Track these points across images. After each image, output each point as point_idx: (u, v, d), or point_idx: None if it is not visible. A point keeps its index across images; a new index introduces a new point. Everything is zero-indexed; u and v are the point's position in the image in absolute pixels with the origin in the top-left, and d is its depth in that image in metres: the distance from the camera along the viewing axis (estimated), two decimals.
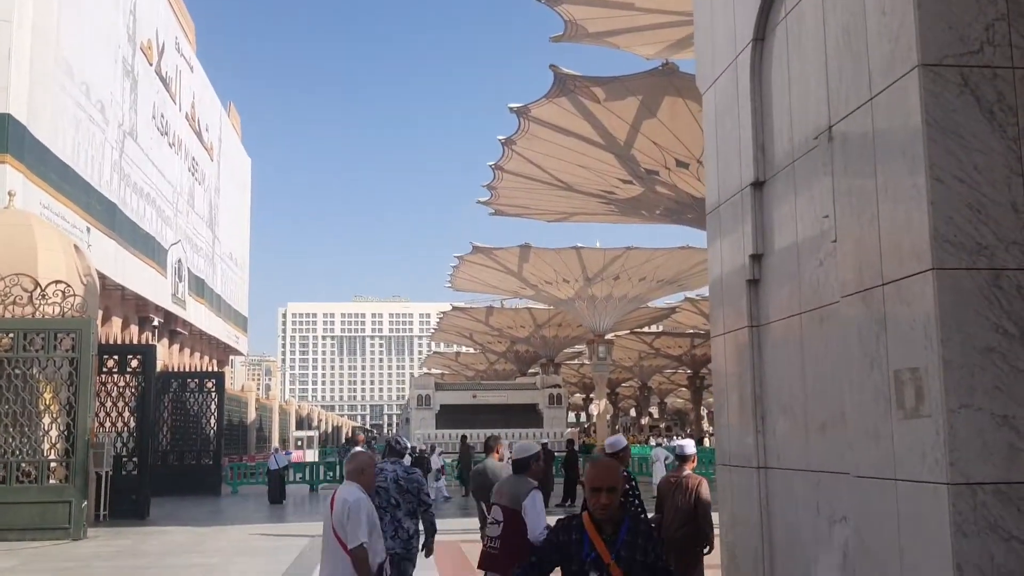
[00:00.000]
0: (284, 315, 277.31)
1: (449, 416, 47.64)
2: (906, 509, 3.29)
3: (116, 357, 23.49)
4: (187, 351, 52.51)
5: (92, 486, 19.48)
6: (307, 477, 33.77)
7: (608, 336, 50.42)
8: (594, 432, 50.85)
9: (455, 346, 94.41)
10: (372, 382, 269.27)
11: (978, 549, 3.01)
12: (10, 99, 27.27)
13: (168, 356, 44.68)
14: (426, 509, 8.16)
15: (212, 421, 31.07)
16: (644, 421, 77.60)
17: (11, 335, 18.11)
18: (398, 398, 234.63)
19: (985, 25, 3.31)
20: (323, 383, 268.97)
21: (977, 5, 3.32)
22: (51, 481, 18.04)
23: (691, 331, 65.91)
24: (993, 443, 3.08)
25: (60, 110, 30.74)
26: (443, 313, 70.11)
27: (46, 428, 18.38)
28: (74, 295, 18.89)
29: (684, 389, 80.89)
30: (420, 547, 8.21)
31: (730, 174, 5.18)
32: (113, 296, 37.49)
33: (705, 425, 71.39)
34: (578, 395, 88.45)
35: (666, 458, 25.83)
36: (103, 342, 22.56)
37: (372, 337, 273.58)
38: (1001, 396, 3.11)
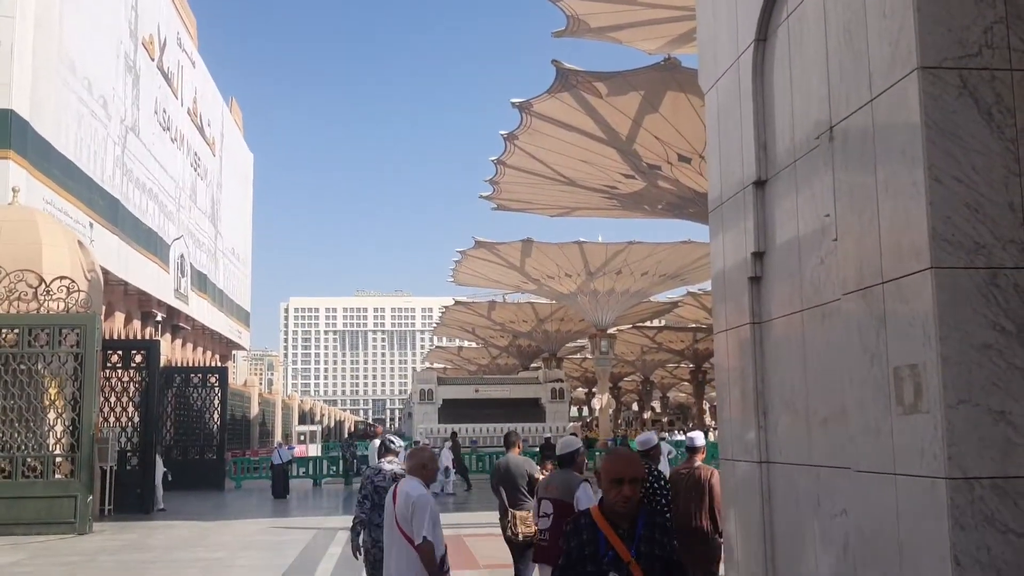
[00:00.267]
0: (286, 310, 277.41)
1: (452, 411, 47.65)
2: (905, 503, 3.36)
3: (120, 352, 23.59)
4: (190, 346, 52.62)
5: (97, 481, 19.58)
6: (310, 472, 33.88)
7: (610, 330, 50.46)
8: (596, 426, 50.91)
9: (457, 340, 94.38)
10: (374, 377, 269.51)
11: (975, 542, 3.07)
12: (13, 95, 27.32)
13: (171, 351, 44.77)
14: None
15: (215, 416, 31.19)
16: (646, 415, 77.66)
17: (16, 331, 18.21)
18: (400, 393, 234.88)
19: (984, 28, 3.36)
20: (325, 378, 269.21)
21: (976, 8, 3.37)
22: (56, 476, 18.15)
23: (693, 325, 65.95)
24: (990, 438, 3.14)
25: (63, 106, 30.79)
26: (445, 308, 70.14)
27: (51, 423, 18.48)
28: (78, 291, 18.98)
29: (686, 383, 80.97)
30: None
31: (732, 172, 5.24)
32: (116, 291, 37.57)
33: (707, 419, 71.44)
34: (580, 389, 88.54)
35: (669, 452, 25.91)
36: (106, 337, 22.63)
37: (374, 332, 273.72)
38: (998, 392, 3.17)
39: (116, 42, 36.78)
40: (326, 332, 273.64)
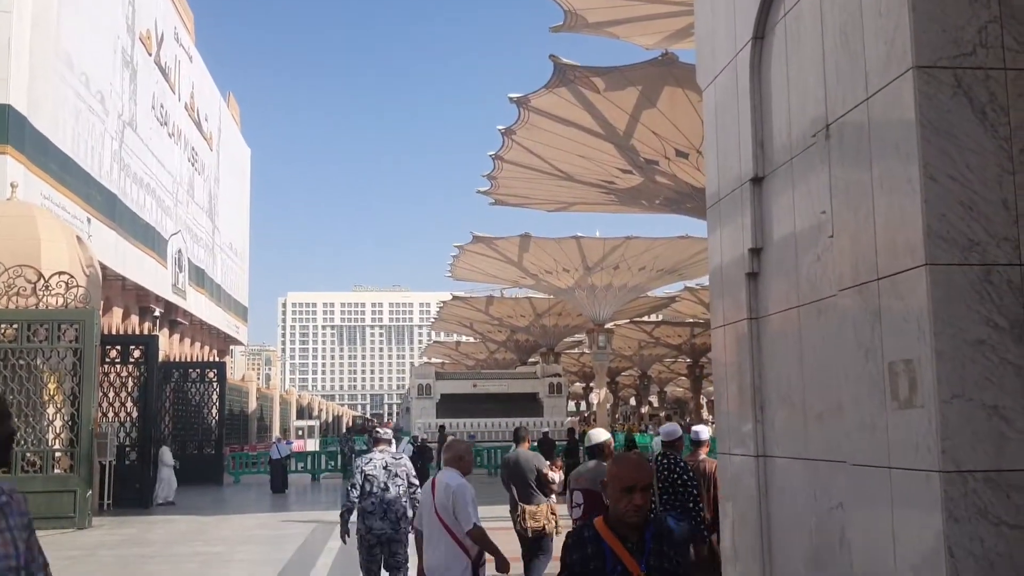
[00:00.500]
0: (284, 305, 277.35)
1: (450, 405, 47.74)
2: (900, 496, 3.41)
3: (119, 347, 23.63)
4: (187, 341, 52.61)
5: (96, 475, 19.63)
6: (309, 466, 33.93)
7: (608, 325, 50.51)
8: (594, 421, 50.95)
9: (455, 335, 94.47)
10: (372, 372, 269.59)
11: (969, 534, 3.12)
12: (10, 90, 27.30)
13: (169, 346, 44.78)
14: (415, 490, 8.66)
15: (214, 411, 31.24)
16: (644, 410, 77.75)
17: (15, 326, 18.24)
18: (398, 388, 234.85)
19: (978, 28, 3.41)
20: (323, 373, 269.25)
21: (970, 8, 3.41)
22: (56, 471, 18.20)
23: (691, 320, 66.00)
24: (983, 432, 3.19)
25: (60, 101, 30.76)
26: (443, 302, 70.14)
27: (50, 418, 18.53)
28: (77, 286, 19.01)
29: (684, 378, 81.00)
30: (409, 529, 8.63)
31: (730, 169, 5.28)
32: (114, 286, 37.57)
33: (704, 414, 71.53)
34: (578, 384, 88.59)
35: None
36: (105, 332, 22.66)
37: (372, 327, 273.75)
38: (991, 387, 3.21)
39: (113, 37, 36.75)
40: (324, 327, 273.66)
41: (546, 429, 32.03)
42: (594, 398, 59.24)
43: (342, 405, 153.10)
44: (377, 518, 8.47)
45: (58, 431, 18.40)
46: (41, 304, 18.63)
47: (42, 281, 18.64)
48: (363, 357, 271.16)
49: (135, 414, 23.41)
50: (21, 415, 18.07)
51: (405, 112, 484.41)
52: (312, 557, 14.37)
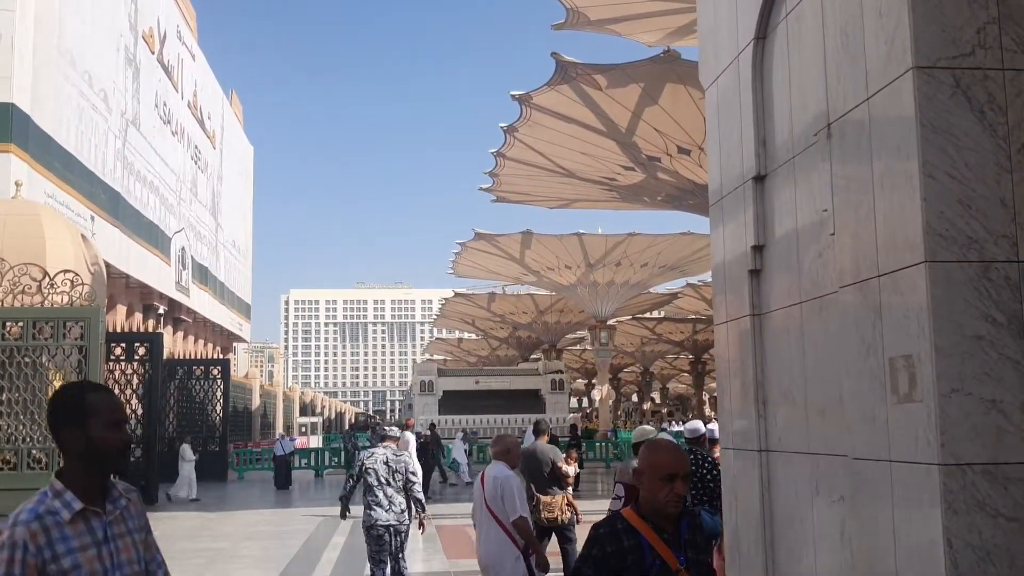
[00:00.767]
0: (286, 302, 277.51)
1: (452, 402, 47.79)
2: (900, 488, 3.47)
3: (124, 345, 23.72)
4: (191, 338, 52.72)
5: None
6: (312, 463, 34.03)
7: (610, 322, 50.58)
8: (596, 417, 51.01)
9: (457, 332, 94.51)
10: (374, 368, 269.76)
11: (967, 526, 3.18)
12: (13, 88, 27.37)
13: (172, 343, 44.88)
14: (411, 486, 9.19)
15: (218, 408, 31.31)
16: (646, 406, 77.80)
17: (20, 324, 18.31)
18: (400, 384, 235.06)
19: (977, 28, 3.46)
20: (326, 370, 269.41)
21: (969, 9, 3.46)
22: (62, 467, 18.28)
23: (693, 317, 66.02)
24: (982, 426, 3.24)
25: (63, 99, 30.84)
26: (445, 299, 70.23)
27: None
28: (82, 284, 19.07)
29: (686, 374, 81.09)
30: (409, 520, 9.26)
31: (732, 168, 5.34)
32: (117, 284, 37.67)
33: (707, 410, 71.57)
34: (580, 381, 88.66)
35: None
36: (109, 330, 22.74)
37: (374, 324, 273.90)
38: (990, 382, 3.27)
39: (116, 35, 36.82)
40: (326, 324, 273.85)
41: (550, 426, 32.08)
42: (596, 395, 59.31)
43: (344, 402, 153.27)
44: (383, 509, 8.93)
45: None
46: (46, 302, 18.70)
47: (47, 279, 18.71)
48: (365, 354, 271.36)
49: (140, 411, 23.49)
50: (27, 413, 18.15)
51: (407, 109, 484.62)
52: (317, 552, 14.46)
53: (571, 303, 54.22)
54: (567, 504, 9.86)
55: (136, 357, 23.50)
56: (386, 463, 9.14)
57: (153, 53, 42.22)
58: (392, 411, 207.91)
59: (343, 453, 34.28)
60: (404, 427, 21.60)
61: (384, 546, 8.97)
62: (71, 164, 31.36)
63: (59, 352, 18.54)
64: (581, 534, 10.27)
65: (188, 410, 31.36)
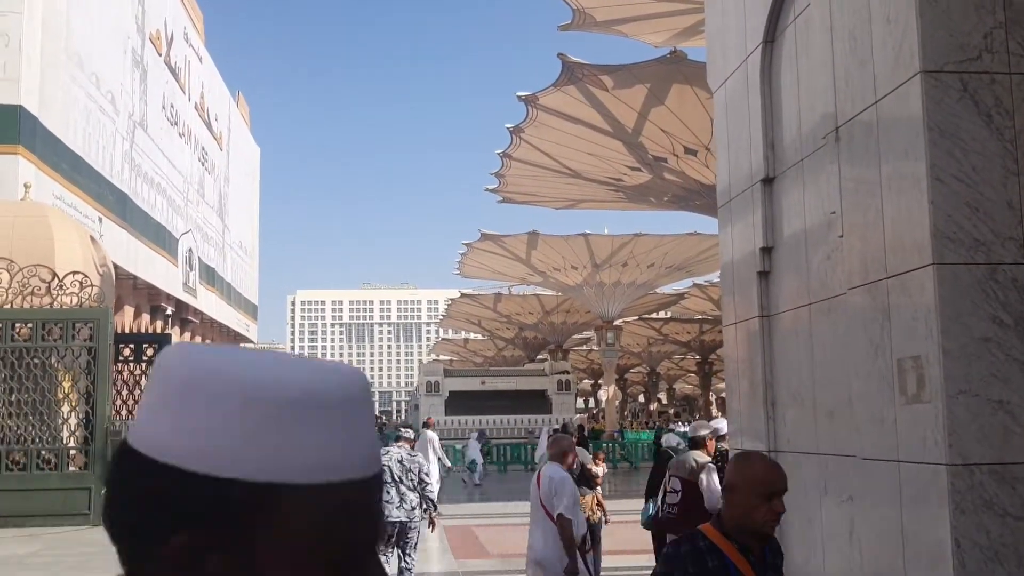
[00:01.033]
0: (293, 303, 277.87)
1: (458, 402, 47.86)
2: (908, 488, 3.50)
3: (132, 346, 23.74)
4: (198, 339, 52.83)
5: (108, 473, 19.78)
6: None
7: (616, 322, 50.55)
8: (602, 418, 51.05)
9: (463, 333, 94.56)
10: (381, 369, 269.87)
11: (975, 525, 3.22)
12: (21, 90, 27.45)
13: None
14: (424, 486, 9.59)
15: None
16: (653, 407, 77.77)
17: (30, 325, 18.37)
18: (407, 385, 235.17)
19: (984, 33, 3.49)
20: None
21: (976, 14, 3.50)
22: (71, 468, 18.32)
23: (699, 317, 65.96)
24: (989, 427, 3.28)
25: (71, 101, 30.93)
26: (451, 300, 70.29)
27: (65, 416, 18.65)
28: (91, 285, 19.13)
29: (693, 375, 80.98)
30: (420, 517, 9.66)
31: (741, 170, 5.38)
32: (125, 285, 37.76)
33: (713, 411, 71.51)
34: (586, 381, 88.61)
35: (678, 444, 26.01)
36: (117, 331, 22.82)
37: (380, 324, 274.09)
38: (997, 383, 3.31)
39: (123, 37, 36.92)
40: (332, 325, 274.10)
41: (556, 426, 32.13)
42: (603, 395, 59.32)
43: None
44: (395, 506, 9.31)
45: (72, 429, 18.53)
46: (55, 303, 18.76)
47: (56, 280, 18.77)
48: (372, 355, 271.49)
49: None
50: (36, 413, 18.23)
51: (414, 110, 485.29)
52: None
53: (577, 303, 54.22)
54: (597, 504, 10.03)
55: (144, 358, 23.52)
56: (400, 462, 9.52)
57: (160, 55, 42.33)
58: (398, 411, 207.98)
59: None
60: (426, 425, 21.78)
61: (389, 542, 9.25)
62: (79, 166, 31.45)
63: (68, 353, 18.60)
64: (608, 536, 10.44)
65: None
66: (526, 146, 32.08)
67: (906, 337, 3.53)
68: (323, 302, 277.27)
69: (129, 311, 38.95)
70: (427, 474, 9.75)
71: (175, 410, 0.73)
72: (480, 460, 28.16)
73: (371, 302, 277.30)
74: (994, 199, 3.41)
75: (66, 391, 18.69)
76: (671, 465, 8.60)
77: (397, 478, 9.45)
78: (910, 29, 3.53)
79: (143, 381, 23.71)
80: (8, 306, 18.58)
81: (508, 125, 31.25)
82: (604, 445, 39.42)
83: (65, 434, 18.53)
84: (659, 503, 8.35)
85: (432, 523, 9.81)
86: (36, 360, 18.44)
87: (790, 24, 4.83)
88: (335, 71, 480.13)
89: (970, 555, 3.21)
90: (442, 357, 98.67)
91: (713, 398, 76.08)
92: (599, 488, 10.48)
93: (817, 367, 4.55)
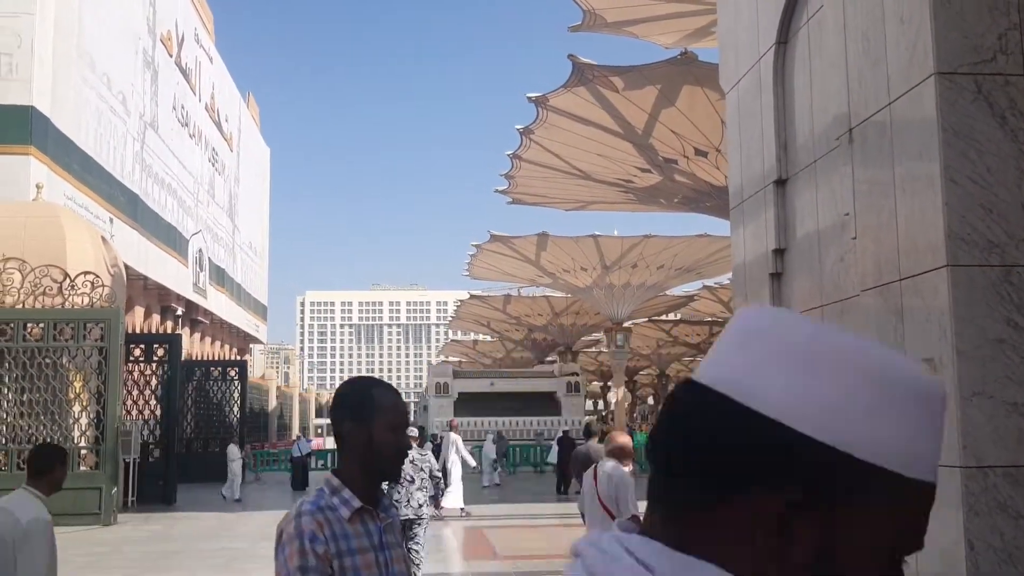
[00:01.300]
0: (302, 303, 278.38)
1: (467, 404, 47.83)
2: None
3: (143, 346, 23.86)
4: (208, 340, 52.98)
5: (120, 473, 19.85)
6: (329, 464, 34.15)
7: (626, 324, 50.45)
8: (612, 420, 51.00)
9: (472, 334, 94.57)
10: (390, 370, 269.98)
11: (989, 527, 3.21)
12: (33, 91, 27.60)
13: (189, 345, 45.12)
14: (438, 482, 10.29)
15: (235, 409, 31.45)
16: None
17: (41, 325, 18.47)
18: (416, 386, 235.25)
19: (998, 35, 3.49)
20: (341, 371, 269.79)
21: (991, 16, 3.49)
22: (82, 468, 18.41)
23: (709, 319, 65.83)
24: (1004, 429, 3.27)
25: (82, 102, 31.07)
26: (460, 301, 70.32)
27: (76, 416, 18.75)
28: (102, 285, 19.23)
29: None
30: (427, 514, 10.23)
31: (753, 171, 5.37)
32: (135, 286, 37.91)
33: None
34: (596, 383, 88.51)
35: None
36: (128, 331, 22.91)
37: (390, 325, 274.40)
38: (1012, 385, 3.30)
39: (135, 38, 37.07)
40: (342, 326, 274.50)
41: (567, 428, 32.13)
42: (612, 397, 59.26)
43: None
44: (402, 505, 9.67)
45: (84, 429, 18.62)
46: (67, 304, 18.86)
47: (68, 281, 18.87)
48: (381, 356, 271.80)
49: (158, 412, 23.64)
50: (47, 413, 18.31)
51: (422, 108, 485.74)
52: None
53: (587, 305, 54.16)
54: None
55: (155, 358, 23.65)
56: (412, 461, 9.83)
57: (171, 56, 42.49)
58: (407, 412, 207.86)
59: None
60: (450, 427, 22.14)
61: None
62: (90, 166, 31.59)
63: (79, 353, 18.70)
64: None
65: (205, 411, 31.51)
66: (536, 147, 32.07)
67: (920, 339, 3.53)
68: (332, 303, 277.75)
69: (139, 311, 39.10)
70: (438, 471, 10.24)
71: (791, 371, 0.74)
72: (492, 458, 28.30)
73: (380, 303, 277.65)
74: (1008, 201, 3.41)
75: (77, 391, 18.78)
76: None
77: (409, 479, 9.81)
78: (924, 30, 3.53)
79: (153, 381, 23.81)
80: (20, 306, 18.68)
81: (518, 126, 31.26)
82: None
83: (76, 434, 18.62)
84: None
85: (438, 504, 10.71)
86: (48, 360, 18.54)
87: (803, 25, 4.82)
88: (342, 69, 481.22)
89: (984, 557, 3.20)
90: (451, 358, 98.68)
91: None
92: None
93: None
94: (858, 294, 4.08)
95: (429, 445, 26.79)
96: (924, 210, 3.51)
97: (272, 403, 48.78)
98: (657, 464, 0.79)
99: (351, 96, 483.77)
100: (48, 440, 18.20)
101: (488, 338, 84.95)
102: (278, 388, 52.44)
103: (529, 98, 29.11)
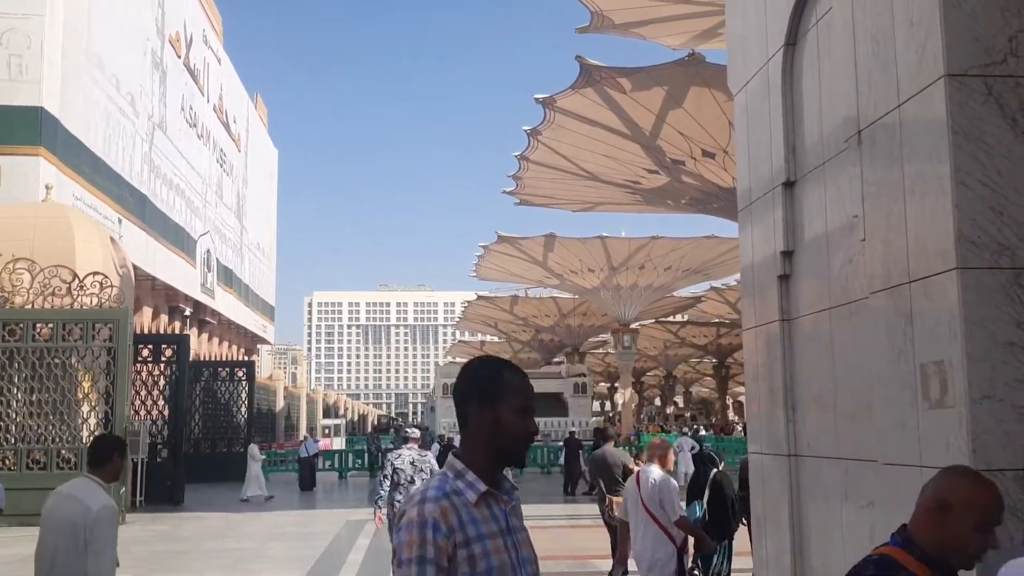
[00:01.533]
0: (310, 304, 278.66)
1: None
2: None
3: (151, 346, 23.92)
4: (216, 340, 53.07)
5: (128, 473, 19.90)
6: (336, 465, 34.18)
7: (633, 325, 50.48)
8: (619, 421, 50.96)
9: (480, 335, 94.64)
10: (397, 371, 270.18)
11: (999, 532, 3.19)
12: (43, 92, 27.68)
13: (197, 345, 45.20)
14: None
15: (243, 409, 31.49)
16: (669, 410, 77.63)
17: (50, 325, 18.53)
18: (423, 387, 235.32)
19: (1008, 36, 3.47)
20: (348, 372, 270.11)
21: (1001, 17, 3.48)
22: None
23: (716, 320, 65.82)
24: (1013, 432, 3.26)
25: (91, 103, 31.15)
26: (468, 302, 70.37)
27: (85, 416, 18.79)
28: (111, 286, 19.28)
29: (709, 378, 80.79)
30: None
31: (761, 173, 5.36)
32: (144, 286, 37.99)
33: (730, 414, 71.27)
34: (603, 384, 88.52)
35: (692, 447, 25.98)
36: (136, 332, 22.96)
37: (397, 326, 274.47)
38: (1021, 388, 3.28)
39: (143, 39, 37.16)
40: (349, 326, 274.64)
41: (573, 429, 32.09)
42: (619, 398, 59.21)
43: (367, 404, 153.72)
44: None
45: (92, 429, 18.66)
46: (76, 304, 18.91)
47: (77, 281, 18.92)
48: (388, 356, 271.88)
49: (166, 412, 23.70)
50: (56, 413, 18.36)
51: (429, 111, 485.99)
52: (342, 554, 14.53)
53: (594, 306, 54.18)
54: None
55: (163, 359, 23.71)
56: (412, 463, 10.02)
57: (180, 57, 42.57)
58: (414, 413, 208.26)
59: (367, 455, 34.43)
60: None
61: None
62: (99, 167, 31.67)
63: (88, 353, 18.75)
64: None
65: (213, 411, 31.57)
66: (543, 148, 32.10)
67: (929, 342, 3.51)
68: (340, 303, 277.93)
69: (148, 312, 39.18)
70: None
71: None
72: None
73: (388, 304, 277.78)
74: (1019, 203, 3.39)
75: (86, 391, 18.83)
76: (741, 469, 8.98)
77: (410, 479, 9.92)
78: (934, 32, 3.51)
79: (161, 381, 23.87)
80: (29, 306, 18.74)
81: (526, 127, 31.28)
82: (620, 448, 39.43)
83: (84, 434, 18.66)
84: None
85: None
86: (56, 360, 18.60)
87: (812, 27, 4.81)
88: (348, 69, 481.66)
89: (993, 561, 3.18)
90: (458, 359, 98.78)
91: (730, 401, 75.84)
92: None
93: (838, 372, 4.52)
94: (867, 296, 4.07)
95: (436, 447, 26.85)
96: (934, 212, 3.50)
97: (279, 403, 48.84)
98: None
99: (358, 96, 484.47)
100: (56, 440, 18.26)
101: (495, 339, 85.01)
102: (285, 388, 52.50)
103: (537, 99, 29.12)
